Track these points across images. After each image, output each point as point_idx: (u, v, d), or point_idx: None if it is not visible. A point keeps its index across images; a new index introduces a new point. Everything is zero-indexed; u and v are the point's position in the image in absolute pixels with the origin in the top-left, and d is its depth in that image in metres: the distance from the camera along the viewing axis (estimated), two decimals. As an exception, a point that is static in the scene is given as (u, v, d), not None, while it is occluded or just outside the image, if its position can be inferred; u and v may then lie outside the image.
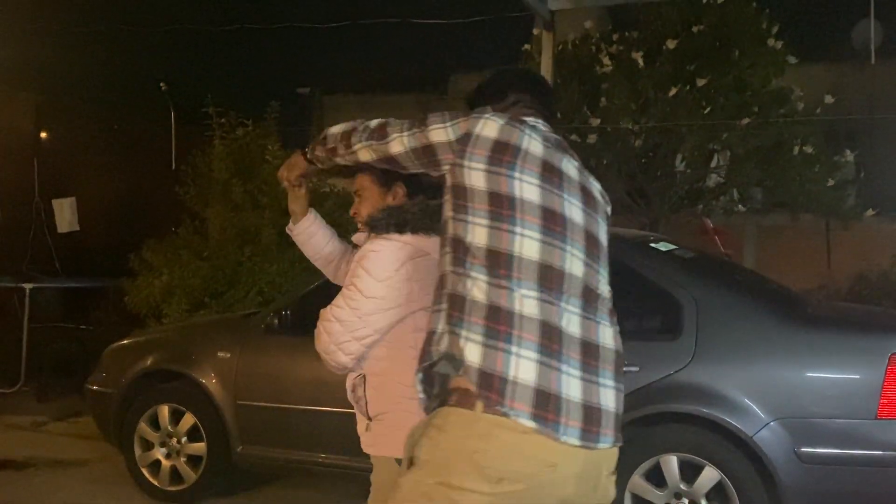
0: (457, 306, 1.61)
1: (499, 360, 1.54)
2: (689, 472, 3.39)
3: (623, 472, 3.44)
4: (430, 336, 1.65)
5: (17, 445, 5.63)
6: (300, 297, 4.28)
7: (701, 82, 8.53)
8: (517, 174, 1.64)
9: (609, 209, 1.92)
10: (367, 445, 2.08)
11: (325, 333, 1.99)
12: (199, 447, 4.37)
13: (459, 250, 1.64)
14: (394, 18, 8.84)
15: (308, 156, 2.10)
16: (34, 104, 10.82)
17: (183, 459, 4.41)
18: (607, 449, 1.65)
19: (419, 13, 8.56)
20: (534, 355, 1.55)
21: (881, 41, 12.91)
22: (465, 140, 1.69)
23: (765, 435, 3.25)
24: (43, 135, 11.32)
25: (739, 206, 10.11)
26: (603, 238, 1.80)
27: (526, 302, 1.58)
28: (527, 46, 9.74)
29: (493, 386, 1.53)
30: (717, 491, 3.35)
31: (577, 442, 1.57)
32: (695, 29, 8.83)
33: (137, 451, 4.46)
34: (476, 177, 1.65)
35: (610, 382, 1.68)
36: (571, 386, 1.58)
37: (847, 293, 9.21)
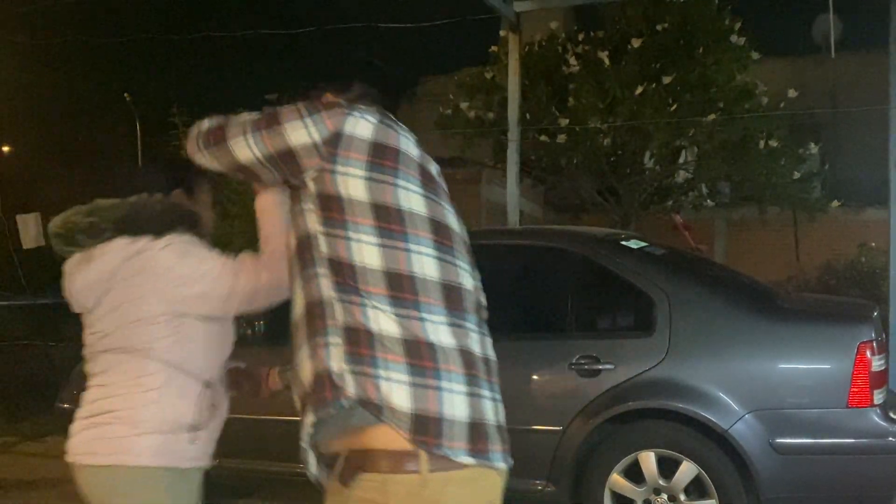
0: (360, 342, 1.36)
1: (431, 401, 1.35)
2: (668, 467, 3.41)
3: (602, 469, 3.48)
4: (322, 381, 1.38)
5: (-13, 467, 5.51)
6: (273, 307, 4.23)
7: (666, 80, 8.63)
8: (401, 182, 1.41)
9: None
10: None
11: None
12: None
13: (345, 274, 1.38)
14: (360, 23, 8.82)
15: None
16: (-5, 118, 10.62)
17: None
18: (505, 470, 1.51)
19: (386, 17, 8.55)
20: (463, 388, 1.39)
21: (840, 36, 13.16)
22: (334, 141, 1.41)
23: (740, 428, 3.29)
24: (5, 149, 11.11)
25: (708, 200, 10.25)
26: (467, 238, 1.55)
27: (440, 330, 1.39)
28: (494, 48, 9.78)
29: (429, 430, 1.34)
30: (696, 485, 3.38)
31: (502, 465, 1.46)
32: (659, 27, 8.93)
33: (111, 468, 4.39)
34: (354, 185, 1.39)
35: (499, 396, 1.51)
36: (488, 410, 1.44)
37: (815, 284, 9.37)
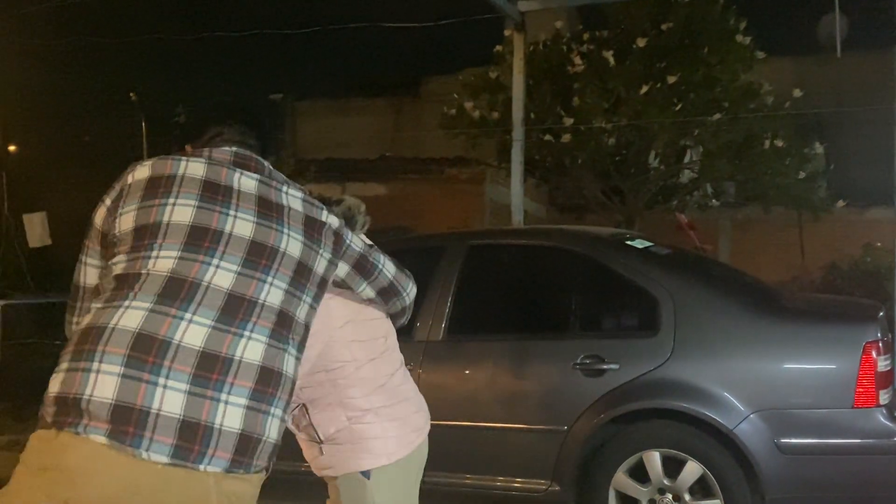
0: (70, 339, 1.53)
1: (76, 381, 1.42)
2: (672, 467, 3.41)
3: (606, 469, 3.48)
4: None
5: (-7, 465, 5.52)
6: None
7: (671, 79, 8.63)
8: (172, 200, 1.57)
9: (323, 215, 1.71)
10: (323, 468, 2.07)
11: None
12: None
13: (75, 297, 1.69)
14: (364, 23, 8.83)
15: None
16: (1, 118, 10.65)
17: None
18: (216, 472, 1.45)
19: (390, 17, 8.56)
20: (117, 369, 1.41)
21: (846, 34, 13.11)
22: (119, 196, 1.61)
23: (745, 427, 3.29)
24: (11, 148, 11.15)
25: (713, 200, 10.24)
26: (289, 248, 1.60)
27: (129, 314, 1.45)
28: (499, 48, 9.78)
29: (68, 410, 1.41)
30: (701, 484, 3.37)
31: (164, 459, 1.40)
32: (664, 27, 8.93)
33: (117, 466, 4.40)
34: (125, 220, 1.57)
35: (238, 400, 1.48)
36: (167, 400, 1.43)
37: (820, 284, 9.35)
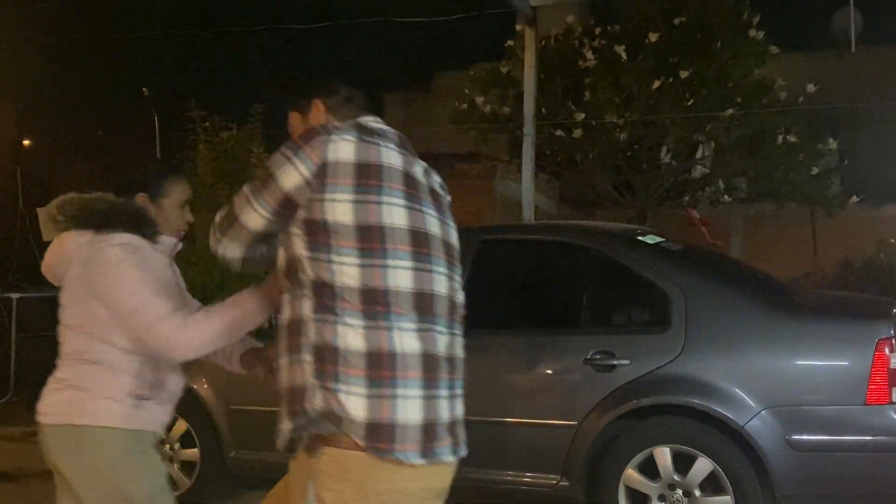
0: (327, 359, 1.50)
1: (385, 409, 1.48)
2: (683, 463, 3.41)
3: (616, 464, 3.48)
4: (298, 393, 1.53)
5: (8, 457, 5.58)
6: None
7: (684, 75, 8.58)
8: (385, 199, 1.52)
9: (449, 199, 1.76)
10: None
11: None
12: (192, 453, 4.35)
13: (325, 295, 1.51)
14: (376, 18, 8.83)
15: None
16: (16, 113, 10.73)
17: (176, 466, 4.39)
18: (453, 462, 1.63)
19: (401, 12, 8.56)
20: (419, 392, 1.52)
21: (861, 29, 13.02)
22: (321, 171, 1.51)
23: (756, 424, 3.28)
24: (26, 143, 11.24)
25: (725, 196, 10.18)
26: (455, 241, 1.69)
27: (406, 337, 1.51)
28: (510, 43, 9.75)
29: (381, 436, 1.48)
30: (711, 481, 3.37)
31: (451, 458, 1.59)
32: (676, 22, 8.88)
33: (130, 459, 4.44)
34: (342, 210, 1.50)
35: (459, 391, 1.64)
36: (442, 408, 1.57)
37: (833, 280, 9.28)
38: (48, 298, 9.00)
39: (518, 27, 9.04)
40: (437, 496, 1.60)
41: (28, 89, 10.42)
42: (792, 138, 8.97)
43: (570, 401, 3.60)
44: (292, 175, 1.53)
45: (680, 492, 3.41)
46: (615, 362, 3.49)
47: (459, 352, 1.64)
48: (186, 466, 4.38)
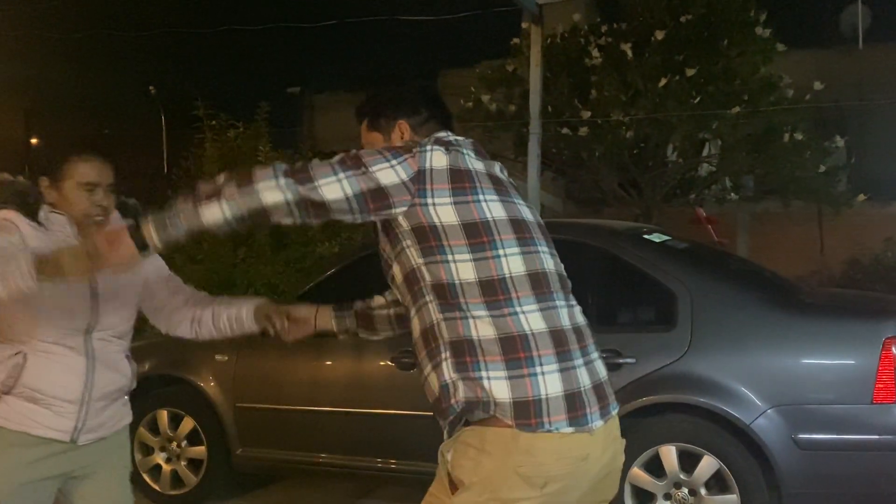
0: (464, 352, 1.60)
1: (528, 387, 1.58)
2: (688, 461, 3.41)
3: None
4: (443, 392, 1.63)
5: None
6: (297, 297, 4.28)
7: (690, 72, 8.56)
8: (480, 196, 1.64)
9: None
10: None
11: None
12: (200, 451, 4.37)
13: (447, 294, 1.61)
14: (382, 16, 8.84)
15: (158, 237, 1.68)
16: (24, 111, 10.78)
17: (183, 463, 4.41)
18: (614, 413, 1.73)
19: (408, 10, 8.55)
20: (555, 366, 1.60)
21: (869, 25, 12.95)
22: (419, 178, 1.61)
23: (762, 422, 3.27)
24: (33, 141, 11.28)
25: (731, 194, 10.15)
26: (542, 223, 1.81)
27: (531, 318, 1.61)
28: (516, 41, 9.75)
29: (529, 412, 1.57)
30: (717, 479, 3.36)
31: (601, 423, 1.65)
32: (682, 19, 8.86)
33: (137, 456, 4.46)
34: (445, 212, 1.61)
35: (594, 355, 1.73)
36: (583, 377, 1.65)
37: (840, 278, 9.25)
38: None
39: (524, 25, 9.03)
40: (580, 460, 1.64)
41: (35, 88, 10.47)
42: (799, 136, 8.94)
43: (576, 399, 3.60)
44: (388, 173, 1.60)
45: (686, 490, 3.41)
46: (621, 360, 3.49)
47: (581, 320, 1.73)
48: (194, 464, 4.40)
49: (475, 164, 1.69)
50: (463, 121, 10.03)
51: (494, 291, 1.60)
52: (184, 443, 4.41)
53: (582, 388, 1.63)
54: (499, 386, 1.57)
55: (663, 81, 8.51)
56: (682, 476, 3.41)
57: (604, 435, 1.68)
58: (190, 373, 4.39)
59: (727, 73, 8.74)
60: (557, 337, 1.63)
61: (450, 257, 1.61)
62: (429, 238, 1.62)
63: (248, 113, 7.62)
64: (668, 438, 3.44)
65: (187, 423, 4.39)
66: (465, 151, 1.69)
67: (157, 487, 4.44)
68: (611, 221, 4.82)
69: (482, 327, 1.59)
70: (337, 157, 1.64)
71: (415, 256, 1.64)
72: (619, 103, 8.70)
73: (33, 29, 9.19)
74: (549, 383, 1.59)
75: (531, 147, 7.53)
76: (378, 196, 1.60)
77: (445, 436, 1.68)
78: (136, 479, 4.45)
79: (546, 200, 10.37)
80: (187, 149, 7.76)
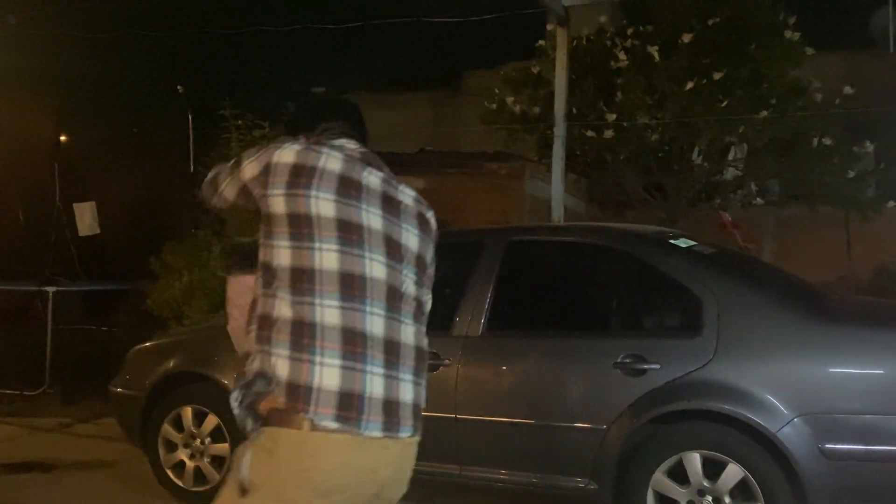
0: (264, 327, 1.72)
1: (304, 372, 1.65)
2: (713, 469, 3.38)
3: (645, 469, 3.46)
4: (245, 357, 1.76)
5: (43, 447, 5.70)
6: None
7: (717, 75, 8.49)
8: (313, 192, 1.73)
9: (429, 213, 1.96)
10: None
11: None
12: (223, 448, 4.40)
13: (267, 274, 1.75)
14: (407, 17, 8.85)
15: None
16: (54, 109, 10.93)
17: (207, 460, 4.45)
18: (408, 438, 1.78)
19: (432, 12, 8.57)
20: (337, 362, 1.67)
21: (900, 30, 12.69)
22: (266, 171, 1.78)
23: (788, 431, 3.24)
24: (63, 139, 11.43)
25: (757, 199, 10.05)
26: (408, 241, 1.86)
27: (327, 312, 1.69)
28: (541, 43, 9.72)
29: (299, 396, 1.64)
30: (741, 488, 3.33)
31: (379, 434, 1.69)
32: (710, 22, 8.78)
33: (162, 452, 4.51)
34: (276, 202, 1.74)
35: (408, 376, 1.78)
36: (374, 385, 1.70)
37: (868, 285, 9.13)
38: (84, 292, 9.17)
39: (549, 27, 9.01)
40: (368, 472, 1.71)
41: (65, 86, 10.59)
42: (827, 141, 8.83)
43: (600, 404, 3.59)
44: (252, 167, 1.81)
45: (710, 498, 3.38)
46: (645, 366, 3.47)
47: (409, 339, 1.80)
48: (217, 461, 4.44)
49: (330, 164, 1.77)
50: (487, 122, 10.03)
51: (301, 280, 1.70)
52: (207, 440, 4.44)
53: (366, 394, 1.69)
54: (281, 364, 1.67)
55: (690, 85, 8.44)
56: (706, 483, 3.38)
57: (398, 456, 1.76)
58: (214, 370, 4.43)
59: (755, 77, 8.65)
60: (350, 337, 1.69)
61: (274, 242, 1.74)
62: (268, 223, 1.76)
63: (273, 113, 7.67)
64: (693, 445, 3.41)
65: (211, 421, 4.43)
66: (328, 153, 1.79)
67: (180, 483, 4.49)
68: (636, 226, 4.79)
69: (283, 308, 1.70)
70: (230, 163, 1.89)
71: (261, 237, 1.80)
72: (645, 106, 8.64)
73: (62, 27, 9.31)
74: (326, 375, 1.65)
75: (556, 149, 7.51)
76: (244, 190, 1.84)
77: (233, 402, 1.74)
78: (160, 474, 4.53)
79: (569, 202, 10.32)
80: (213, 148, 7.82)
